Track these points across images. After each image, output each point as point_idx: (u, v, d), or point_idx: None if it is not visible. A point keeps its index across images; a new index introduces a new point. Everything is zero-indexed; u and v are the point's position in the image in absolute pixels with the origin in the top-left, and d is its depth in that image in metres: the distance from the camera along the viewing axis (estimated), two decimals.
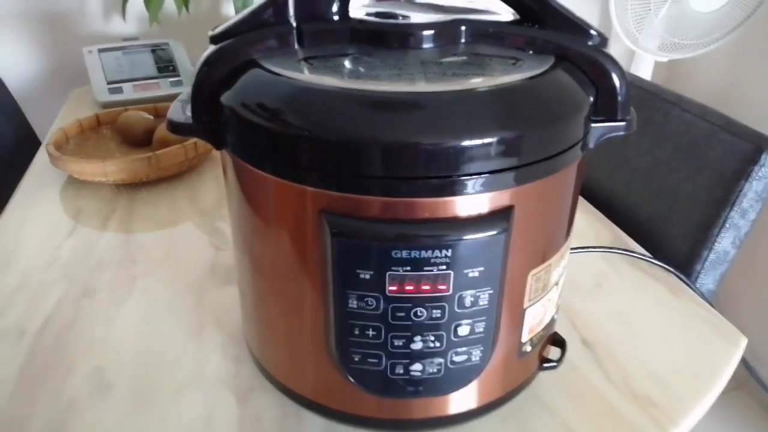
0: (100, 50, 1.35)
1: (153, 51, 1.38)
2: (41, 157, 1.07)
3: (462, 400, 0.49)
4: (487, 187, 0.39)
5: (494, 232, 0.40)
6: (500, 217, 0.40)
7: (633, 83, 0.94)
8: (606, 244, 0.80)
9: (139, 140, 1.07)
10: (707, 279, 0.78)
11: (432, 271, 0.40)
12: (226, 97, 0.43)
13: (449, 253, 0.39)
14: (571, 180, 0.45)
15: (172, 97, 1.27)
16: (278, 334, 0.50)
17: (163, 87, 1.32)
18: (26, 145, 1.35)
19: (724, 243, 0.76)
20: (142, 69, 1.34)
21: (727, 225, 0.75)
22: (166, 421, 0.54)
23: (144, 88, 1.31)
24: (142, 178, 0.94)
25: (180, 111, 0.47)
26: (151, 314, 0.67)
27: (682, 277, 0.73)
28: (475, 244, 0.40)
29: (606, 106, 0.45)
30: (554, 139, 0.41)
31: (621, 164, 0.94)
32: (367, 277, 0.40)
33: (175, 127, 0.46)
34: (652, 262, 0.76)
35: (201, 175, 1.01)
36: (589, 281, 0.73)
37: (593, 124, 0.45)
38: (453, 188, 0.39)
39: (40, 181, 0.99)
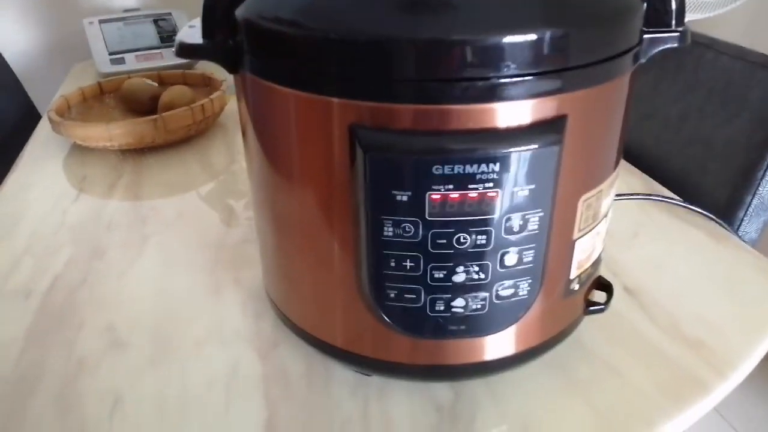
0: (101, 21, 1.31)
1: (155, 21, 1.34)
2: (43, 127, 1.03)
3: (503, 343, 0.45)
4: (533, 92, 0.35)
5: (546, 144, 0.36)
6: (552, 127, 0.36)
7: None
8: (641, 192, 0.76)
9: (145, 107, 1.03)
10: (750, 227, 0.74)
11: (477, 189, 0.36)
12: (240, 11, 0.39)
13: (496, 168, 0.35)
14: (623, 94, 0.41)
15: (175, 68, 1.23)
16: (305, 277, 0.46)
17: (166, 57, 1.28)
18: (28, 121, 1.31)
19: None
20: (145, 39, 1.30)
21: None
22: (184, 377, 0.50)
23: (147, 59, 1.27)
24: (149, 143, 0.90)
25: (191, 34, 0.42)
26: (165, 273, 0.63)
27: (722, 222, 0.69)
28: (524, 158, 0.35)
29: (659, 14, 0.41)
30: (606, 40, 0.37)
31: (649, 115, 0.89)
32: (405, 198, 0.36)
33: (186, 50, 0.42)
34: (691, 209, 0.71)
35: (210, 140, 0.97)
36: (626, 230, 0.69)
37: (646, 35, 0.41)
38: (496, 93, 0.34)
39: (42, 150, 0.95)
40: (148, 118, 0.87)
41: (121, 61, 1.25)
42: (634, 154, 0.90)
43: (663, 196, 0.73)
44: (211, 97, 0.94)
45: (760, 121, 0.72)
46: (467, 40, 0.33)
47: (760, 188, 0.72)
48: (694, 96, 0.82)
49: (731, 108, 0.77)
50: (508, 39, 0.34)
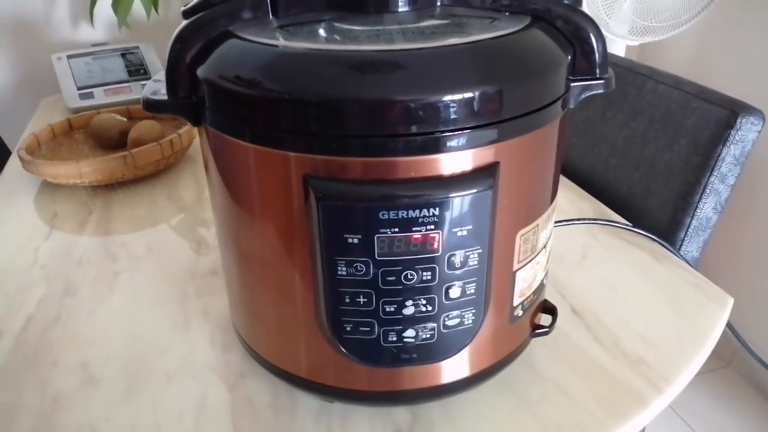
0: (69, 56, 1.33)
1: (123, 55, 1.36)
2: (13, 164, 1.04)
3: (455, 368, 0.49)
4: (470, 143, 0.39)
5: (481, 189, 0.40)
6: (486, 173, 0.40)
7: None
8: (589, 217, 0.81)
9: (114, 142, 1.05)
10: (691, 246, 0.79)
11: (420, 231, 0.40)
12: (202, 70, 0.43)
13: (437, 212, 0.39)
14: (554, 138, 0.45)
15: None
16: (268, 312, 0.50)
17: (134, 90, 1.30)
18: None
19: (706, 209, 0.77)
20: (113, 73, 1.32)
21: (708, 191, 0.76)
22: (156, 409, 0.53)
23: (115, 92, 1.29)
24: (118, 178, 0.92)
25: (155, 90, 0.46)
26: (136, 308, 0.66)
27: (665, 243, 0.74)
28: (462, 201, 0.39)
29: (584, 64, 0.45)
30: (535, 93, 0.41)
31: (598, 141, 0.95)
32: (355, 241, 0.40)
33: (151, 105, 0.45)
34: (635, 231, 0.76)
35: (179, 173, 1.00)
36: (575, 254, 0.74)
37: (573, 83, 0.45)
38: (437, 145, 0.38)
39: (12, 189, 0.96)
40: (117, 155, 0.89)
41: (90, 95, 1.27)
42: (585, 178, 0.95)
43: (608, 220, 0.78)
44: (180, 131, 0.97)
45: (696, 146, 0.78)
46: (409, 99, 0.37)
47: (698, 210, 0.77)
48: (637, 123, 0.88)
49: (670, 134, 0.82)
50: (446, 98, 0.38)
